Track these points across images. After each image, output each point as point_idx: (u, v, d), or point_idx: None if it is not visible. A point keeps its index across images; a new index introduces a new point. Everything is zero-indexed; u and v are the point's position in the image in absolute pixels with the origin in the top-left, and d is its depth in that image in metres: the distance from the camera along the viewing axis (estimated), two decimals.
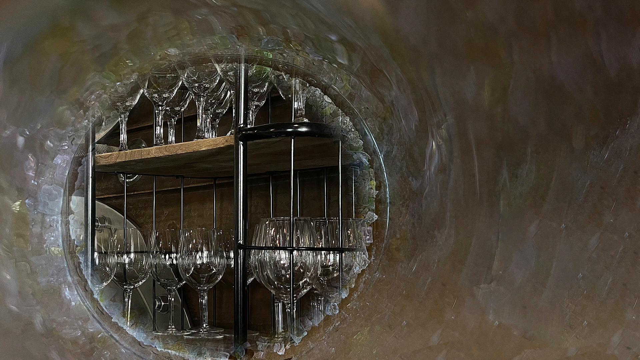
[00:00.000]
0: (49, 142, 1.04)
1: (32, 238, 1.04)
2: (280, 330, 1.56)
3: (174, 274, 1.87)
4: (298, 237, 1.37)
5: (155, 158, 1.66)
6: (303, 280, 1.39)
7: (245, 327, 1.35)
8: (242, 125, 1.38)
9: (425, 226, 1.01)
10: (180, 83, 1.76)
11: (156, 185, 2.02)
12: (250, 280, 1.55)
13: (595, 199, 0.79)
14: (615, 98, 0.76)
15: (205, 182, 2.08)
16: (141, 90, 1.76)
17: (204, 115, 1.72)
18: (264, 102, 1.64)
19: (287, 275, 1.37)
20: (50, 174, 1.05)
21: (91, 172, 1.62)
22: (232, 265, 1.58)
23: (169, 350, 1.10)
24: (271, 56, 1.08)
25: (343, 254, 1.34)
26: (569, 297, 0.80)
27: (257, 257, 1.40)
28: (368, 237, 1.08)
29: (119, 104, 1.75)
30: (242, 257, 1.35)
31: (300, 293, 1.41)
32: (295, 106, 1.44)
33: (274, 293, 1.44)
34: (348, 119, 1.10)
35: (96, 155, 1.71)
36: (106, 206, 2.26)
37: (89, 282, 1.09)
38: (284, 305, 1.54)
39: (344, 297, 1.09)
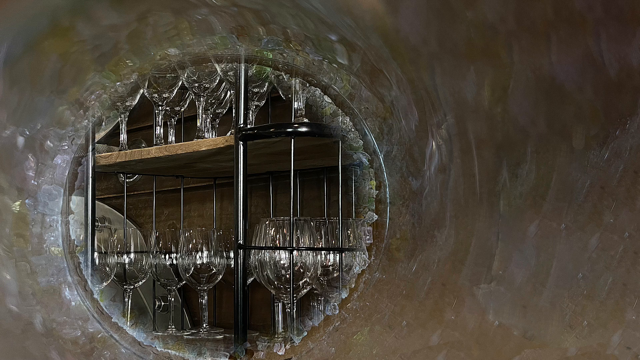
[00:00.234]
0: (49, 142, 1.04)
1: (32, 238, 1.04)
2: (280, 330, 1.56)
3: (174, 274, 1.87)
4: (298, 237, 1.37)
5: (155, 158, 1.66)
6: (303, 280, 1.39)
7: (245, 327, 1.35)
8: (242, 125, 1.38)
9: (425, 226, 1.00)
10: (180, 83, 1.76)
11: (156, 185, 2.02)
12: (250, 280, 1.54)
13: (595, 199, 0.79)
14: (615, 98, 0.76)
15: (205, 182, 2.08)
16: (141, 90, 1.76)
17: (204, 115, 1.72)
18: (264, 102, 1.64)
19: (287, 275, 1.37)
20: (50, 174, 1.05)
21: (91, 172, 1.61)
22: (232, 265, 1.58)
23: (169, 350, 1.10)
24: (271, 56, 1.08)
25: (343, 254, 1.34)
26: (569, 297, 0.80)
27: (257, 257, 1.40)
28: (368, 237, 1.08)
29: (119, 104, 1.75)
30: (242, 257, 1.35)
31: (300, 293, 1.41)
32: (295, 106, 1.44)
33: (274, 293, 1.44)
34: (348, 119, 1.10)
35: (96, 155, 1.71)
36: (106, 206, 2.25)
37: (89, 282, 1.09)
38: (284, 305, 1.53)
39: (344, 297, 1.09)
